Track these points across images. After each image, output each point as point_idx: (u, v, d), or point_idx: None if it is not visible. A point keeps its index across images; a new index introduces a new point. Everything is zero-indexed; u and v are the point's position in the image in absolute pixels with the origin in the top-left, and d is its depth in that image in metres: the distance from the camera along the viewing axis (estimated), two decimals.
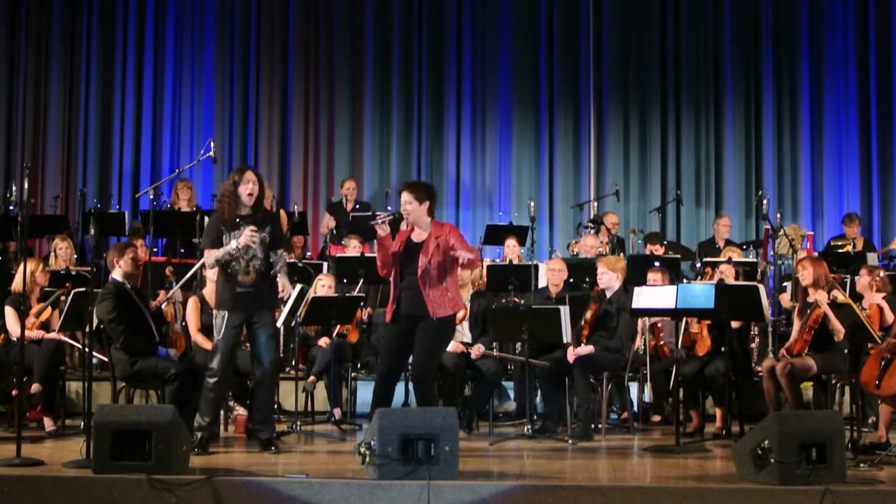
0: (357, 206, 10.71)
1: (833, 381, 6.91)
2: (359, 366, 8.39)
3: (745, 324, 7.31)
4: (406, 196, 6.04)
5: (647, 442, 6.85)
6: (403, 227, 6.16)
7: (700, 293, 6.44)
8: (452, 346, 7.29)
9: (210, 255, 6.07)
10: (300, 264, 8.91)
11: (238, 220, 6.05)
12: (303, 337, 7.93)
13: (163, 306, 6.97)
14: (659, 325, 7.45)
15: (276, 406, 7.02)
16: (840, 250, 9.62)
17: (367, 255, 9.22)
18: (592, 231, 10.35)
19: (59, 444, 6.52)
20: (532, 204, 8.80)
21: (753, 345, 7.55)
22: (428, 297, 5.94)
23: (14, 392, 6.51)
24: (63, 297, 7.14)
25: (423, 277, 5.94)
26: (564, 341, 6.98)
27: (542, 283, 8.36)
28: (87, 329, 6.32)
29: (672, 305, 6.38)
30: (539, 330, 6.95)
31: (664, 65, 12.13)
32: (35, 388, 6.95)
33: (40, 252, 11.07)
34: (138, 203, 11.21)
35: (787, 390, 6.62)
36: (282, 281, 6.24)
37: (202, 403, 6.15)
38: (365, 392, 8.19)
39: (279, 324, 6.76)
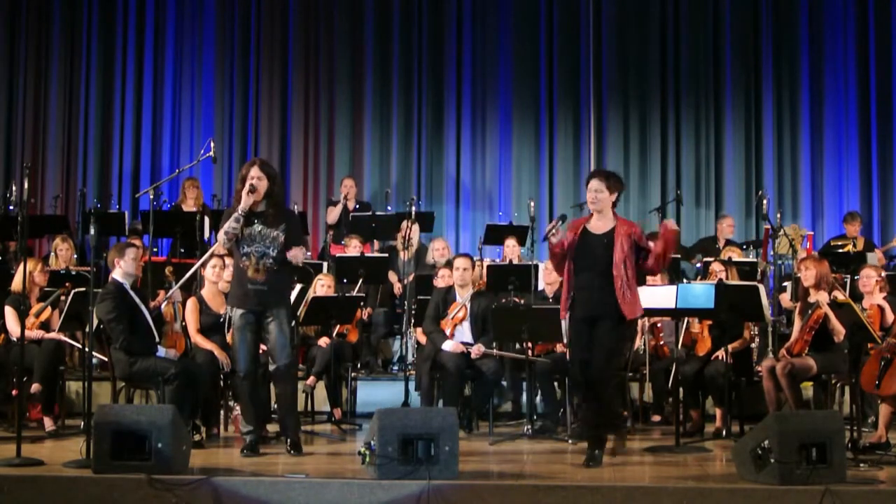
0: (357, 206, 10.70)
1: (833, 381, 6.91)
2: (359, 366, 8.39)
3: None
4: (597, 184, 5.81)
5: (647, 442, 6.83)
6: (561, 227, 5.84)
7: (700, 293, 6.44)
8: (452, 347, 7.30)
9: (220, 233, 6.03)
10: (300, 264, 8.88)
11: (251, 214, 6.01)
12: (303, 337, 7.92)
13: (162, 306, 6.96)
14: (659, 325, 7.45)
15: (273, 406, 6.97)
16: (840, 250, 9.61)
17: (367, 255, 9.23)
18: None
19: (59, 444, 6.53)
20: (532, 204, 8.79)
21: (753, 345, 7.54)
22: (622, 296, 5.66)
23: (14, 392, 6.51)
24: (63, 297, 7.14)
25: (618, 274, 5.67)
26: (564, 341, 6.98)
27: (541, 285, 8.35)
28: (87, 329, 6.32)
29: (672, 305, 6.38)
30: (539, 330, 6.95)
31: (664, 65, 12.11)
32: (35, 388, 6.96)
33: (40, 252, 11.06)
34: (138, 203, 11.21)
35: (787, 390, 6.62)
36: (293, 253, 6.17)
37: (242, 408, 6.26)
38: (365, 392, 8.20)
39: None
